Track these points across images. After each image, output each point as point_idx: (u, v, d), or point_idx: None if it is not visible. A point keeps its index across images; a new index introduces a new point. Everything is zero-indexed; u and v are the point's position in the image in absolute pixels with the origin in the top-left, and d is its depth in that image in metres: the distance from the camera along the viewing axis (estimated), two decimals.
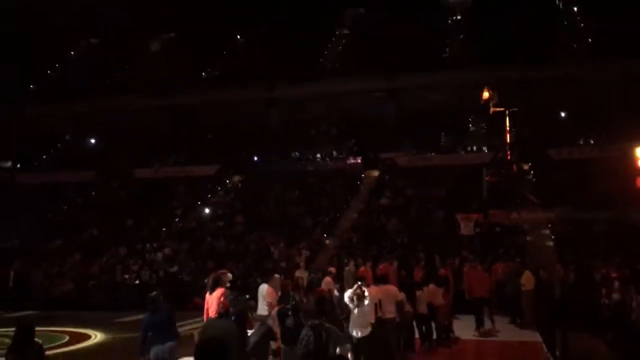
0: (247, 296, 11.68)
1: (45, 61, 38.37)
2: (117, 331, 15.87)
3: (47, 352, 7.60)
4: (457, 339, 13.69)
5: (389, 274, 13.02)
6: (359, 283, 10.38)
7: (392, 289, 11.24)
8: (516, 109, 25.23)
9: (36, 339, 6.98)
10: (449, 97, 30.14)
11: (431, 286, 12.94)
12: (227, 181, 31.71)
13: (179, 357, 8.68)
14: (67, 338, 14.86)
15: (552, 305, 12.60)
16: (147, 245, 24.77)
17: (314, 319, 8.16)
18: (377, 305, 10.49)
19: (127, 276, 22.18)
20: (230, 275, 11.46)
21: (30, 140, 35.66)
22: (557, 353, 11.67)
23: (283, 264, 20.29)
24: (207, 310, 9.28)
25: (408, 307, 11.80)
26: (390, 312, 10.84)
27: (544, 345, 12.67)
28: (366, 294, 9.93)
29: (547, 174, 25.38)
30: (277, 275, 12.19)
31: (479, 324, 14.51)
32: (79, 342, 14.57)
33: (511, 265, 16.73)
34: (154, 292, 9.04)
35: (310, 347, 6.55)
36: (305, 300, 9.75)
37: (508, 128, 25.39)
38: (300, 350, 6.89)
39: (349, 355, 9.07)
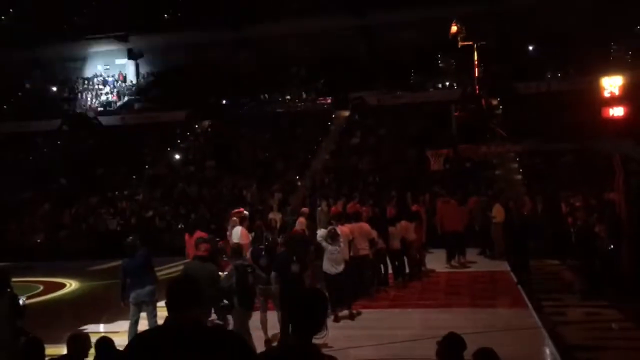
0: (218, 239, 11.73)
1: None
2: (92, 279, 15.91)
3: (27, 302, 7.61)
4: (430, 271, 14.05)
5: (361, 212, 13.15)
6: (332, 222, 10.52)
7: (365, 226, 11.41)
8: (484, 43, 25.09)
9: (8, 289, 6.95)
10: (418, 33, 29.82)
11: (403, 222, 13.14)
12: (197, 126, 31.28)
13: (159, 301, 8.75)
14: (41, 288, 14.86)
15: (520, 235, 12.96)
16: (117, 193, 24.56)
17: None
18: (350, 243, 10.68)
19: (99, 224, 22.07)
20: (246, 213, 11.97)
21: None
22: (525, 280, 12.07)
23: (259, 207, 20.34)
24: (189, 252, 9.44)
25: (381, 244, 12.02)
26: (363, 248, 11.05)
27: (512, 274, 13.09)
28: (339, 232, 10.09)
29: (515, 108, 25.56)
30: (235, 218, 12.27)
31: (451, 256, 14.92)
32: (54, 291, 14.58)
33: (482, 199, 17.05)
34: (131, 238, 9.03)
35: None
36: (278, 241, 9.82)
37: (476, 62, 25.30)
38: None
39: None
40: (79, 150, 29.62)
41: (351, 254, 10.61)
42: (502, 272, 13.75)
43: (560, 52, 26.99)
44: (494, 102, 27.14)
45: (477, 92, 25.91)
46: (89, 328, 9.85)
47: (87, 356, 5.23)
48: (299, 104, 31.04)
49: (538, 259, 14.35)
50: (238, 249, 8.39)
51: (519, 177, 22.12)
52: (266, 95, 32.07)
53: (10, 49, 33.35)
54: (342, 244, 10.06)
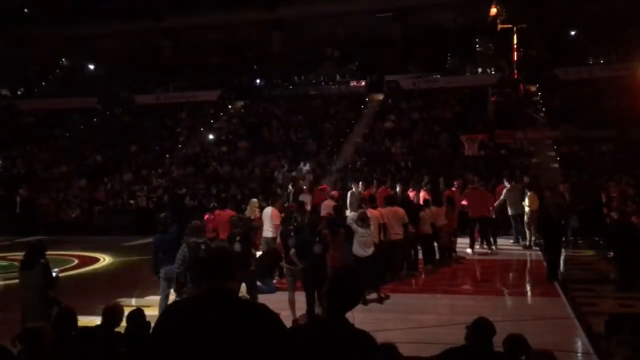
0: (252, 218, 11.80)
1: None
2: (125, 254, 16.18)
3: (60, 275, 7.77)
4: (460, 258, 13.90)
5: (392, 197, 13.07)
6: (363, 205, 10.46)
7: (399, 210, 11.34)
8: (524, 26, 24.49)
9: (42, 260, 7.11)
10: (456, 16, 29.29)
11: (433, 207, 13.02)
12: (230, 106, 31.44)
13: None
14: (76, 261, 15.18)
15: (555, 225, 12.68)
16: (152, 171, 24.92)
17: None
18: (383, 226, 10.63)
19: (132, 201, 22.42)
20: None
21: (29, 66, 35.18)
22: (558, 270, 11.84)
23: (290, 188, 20.35)
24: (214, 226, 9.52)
25: (410, 228, 11.93)
26: (397, 233, 10.99)
27: (545, 263, 12.86)
28: (369, 215, 10.03)
29: (554, 94, 24.98)
30: (253, 200, 12.38)
31: (481, 242, 14.71)
32: (88, 265, 14.88)
33: (516, 186, 16.71)
34: (163, 214, 9.18)
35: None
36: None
37: (515, 46, 24.74)
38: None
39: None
40: (114, 128, 30.07)
41: (382, 238, 10.56)
42: (534, 261, 13.53)
43: (603, 37, 26.22)
44: (533, 88, 26.58)
45: (516, 76, 25.40)
46: (121, 301, 10.01)
47: (118, 326, 5.32)
48: (333, 86, 30.91)
49: (573, 248, 14.05)
50: (196, 227, 8.30)
51: (556, 165, 21.65)
52: (301, 76, 32.02)
53: (48, 26, 33.91)
54: (372, 227, 10.00)
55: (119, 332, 5.30)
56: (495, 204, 15.06)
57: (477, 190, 15.17)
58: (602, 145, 20.98)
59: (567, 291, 10.31)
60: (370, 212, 10.23)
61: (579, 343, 7.72)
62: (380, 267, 10.52)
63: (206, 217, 12.03)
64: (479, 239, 14.85)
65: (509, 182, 15.60)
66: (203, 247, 7.87)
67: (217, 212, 11.57)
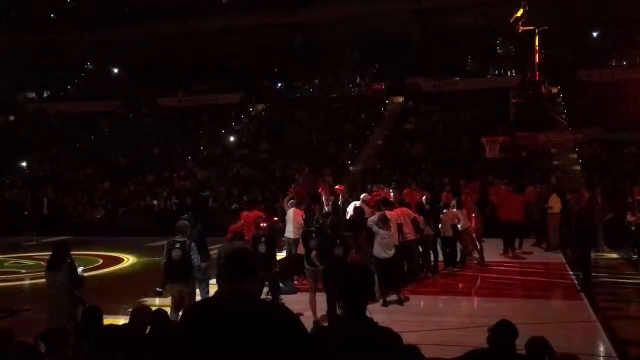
0: (276, 218, 11.91)
1: None
2: (149, 255, 16.36)
3: (85, 275, 7.92)
4: (481, 261, 13.80)
5: (411, 200, 13.06)
6: (382, 208, 10.50)
7: (407, 210, 11.38)
8: (547, 28, 24.28)
9: (68, 260, 7.26)
10: (477, 18, 29.14)
11: (454, 210, 13.00)
12: (251, 109, 31.65)
13: (211, 278, 8.97)
14: (101, 261, 15.41)
15: (578, 228, 12.53)
16: (175, 174, 25.19)
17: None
18: (399, 228, 10.67)
19: (155, 202, 22.68)
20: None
21: (55, 70, 35.79)
22: (581, 275, 11.71)
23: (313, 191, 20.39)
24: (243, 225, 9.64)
25: (428, 230, 11.92)
26: (409, 233, 11.00)
27: (567, 267, 12.76)
28: (389, 217, 10.08)
29: (577, 97, 24.73)
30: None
31: (509, 247, 14.55)
32: (112, 265, 15.11)
33: (540, 189, 16.59)
34: (186, 216, 9.28)
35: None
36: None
37: (537, 48, 24.54)
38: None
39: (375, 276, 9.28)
40: (138, 131, 30.45)
41: (401, 239, 10.59)
42: (556, 264, 13.42)
43: (626, 40, 25.88)
44: (555, 90, 26.34)
45: (538, 79, 25.19)
46: (145, 301, 10.15)
47: (145, 327, 5.39)
48: (353, 89, 30.96)
49: (596, 252, 13.91)
50: (182, 227, 8.12)
51: (578, 168, 21.43)
52: (322, 79, 32.10)
53: (75, 31, 34.45)
54: (392, 229, 10.04)
55: (145, 333, 5.38)
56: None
57: (510, 193, 15.01)
58: (625, 148, 20.72)
59: (590, 295, 10.22)
60: (388, 214, 10.27)
61: (603, 348, 7.67)
62: (400, 269, 10.56)
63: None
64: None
65: (535, 186, 15.48)
66: (178, 246, 7.81)
67: (244, 213, 11.66)
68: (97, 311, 5.54)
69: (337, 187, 15.04)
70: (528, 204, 15.75)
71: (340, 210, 13.26)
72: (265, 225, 9.12)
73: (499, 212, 14.75)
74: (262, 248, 8.75)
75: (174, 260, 7.81)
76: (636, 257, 12.72)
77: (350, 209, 11.79)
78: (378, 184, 16.49)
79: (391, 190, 13.96)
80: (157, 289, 8.24)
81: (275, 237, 9.80)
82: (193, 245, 7.93)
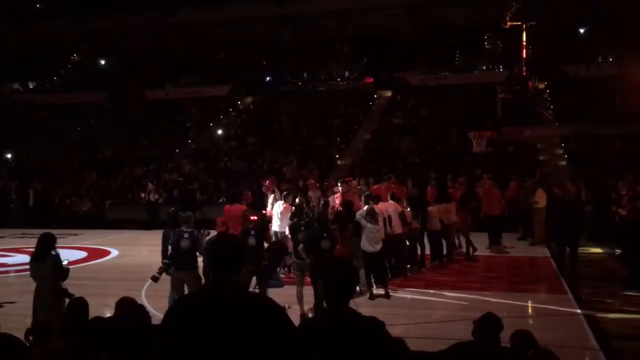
0: (264, 212, 11.93)
1: None
2: (134, 247, 16.32)
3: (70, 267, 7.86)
4: (465, 254, 13.88)
5: (400, 193, 13.06)
6: (371, 202, 10.52)
7: (393, 203, 11.38)
8: (534, 23, 24.40)
9: (53, 252, 7.21)
10: (466, 12, 29.21)
11: (443, 204, 13.05)
12: (240, 102, 31.54)
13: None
14: (86, 254, 15.33)
15: (562, 222, 12.63)
16: (162, 167, 25.06)
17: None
18: (387, 221, 10.70)
19: (142, 195, 22.57)
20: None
21: (41, 60, 35.38)
22: (565, 269, 11.84)
23: (300, 183, 20.40)
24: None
25: (415, 224, 11.97)
26: (398, 226, 11.04)
27: (552, 261, 12.88)
28: (377, 211, 10.12)
29: (563, 92, 24.88)
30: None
31: (492, 241, 14.67)
32: (98, 257, 15.03)
33: (529, 183, 16.69)
34: (172, 208, 9.28)
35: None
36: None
37: (524, 44, 24.65)
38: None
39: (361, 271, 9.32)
40: (125, 123, 30.25)
41: (388, 231, 10.63)
42: (541, 258, 13.56)
43: (613, 35, 26.05)
44: (541, 85, 26.48)
45: (524, 74, 25.31)
46: (131, 294, 10.11)
47: (131, 319, 5.34)
48: (341, 83, 30.94)
49: (581, 246, 14.02)
50: (187, 218, 8.44)
51: (564, 162, 21.60)
52: (311, 73, 32.04)
53: (61, 21, 34.07)
54: (380, 223, 10.09)
55: (130, 324, 5.34)
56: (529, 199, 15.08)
57: (494, 187, 15.10)
58: (611, 143, 20.89)
59: (574, 288, 10.34)
60: (376, 207, 10.30)
61: (586, 340, 7.76)
62: (387, 263, 10.61)
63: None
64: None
65: (518, 180, 15.57)
66: (186, 236, 8.10)
67: (226, 207, 11.62)
68: (82, 303, 5.49)
69: (326, 182, 14.99)
70: (512, 199, 15.87)
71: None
72: (254, 218, 9.10)
73: (482, 206, 14.86)
74: (251, 241, 8.75)
75: (182, 249, 8.09)
76: (619, 250, 12.84)
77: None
78: (388, 175, 16.01)
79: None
80: (156, 274, 8.49)
81: (264, 230, 9.80)
82: (203, 231, 8.30)
